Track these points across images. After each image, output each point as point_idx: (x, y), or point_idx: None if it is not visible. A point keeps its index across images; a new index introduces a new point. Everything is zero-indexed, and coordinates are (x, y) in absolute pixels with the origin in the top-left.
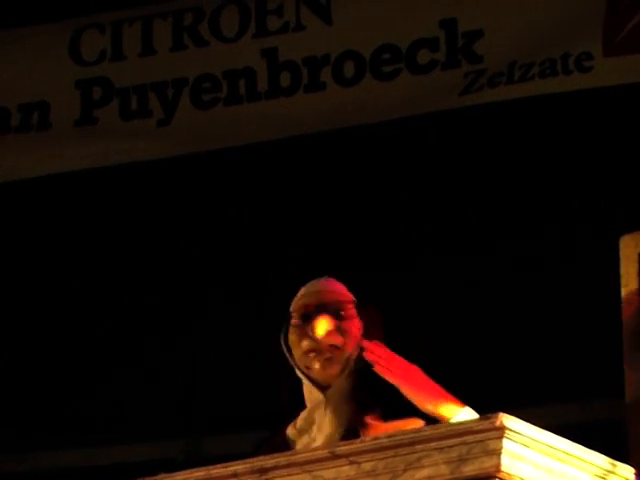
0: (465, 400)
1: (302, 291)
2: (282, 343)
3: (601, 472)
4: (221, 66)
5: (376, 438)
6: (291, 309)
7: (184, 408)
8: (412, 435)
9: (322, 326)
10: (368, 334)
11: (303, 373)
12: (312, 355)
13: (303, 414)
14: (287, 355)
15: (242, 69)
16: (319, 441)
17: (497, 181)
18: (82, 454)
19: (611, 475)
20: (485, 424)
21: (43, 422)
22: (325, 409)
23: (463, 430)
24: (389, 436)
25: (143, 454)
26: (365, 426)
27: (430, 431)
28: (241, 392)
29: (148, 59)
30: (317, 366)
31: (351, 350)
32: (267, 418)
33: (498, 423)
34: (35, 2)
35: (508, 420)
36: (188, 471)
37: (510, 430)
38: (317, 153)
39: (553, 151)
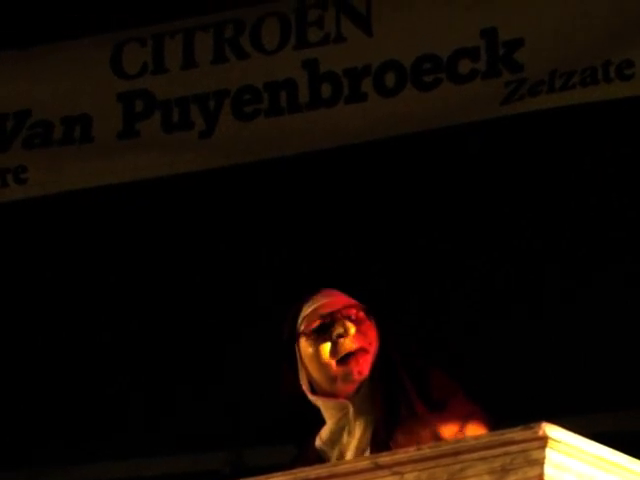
0: (508, 409)
1: (309, 304)
2: (285, 365)
3: None
4: (262, 78)
5: (419, 448)
6: (299, 325)
7: (227, 420)
8: (455, 445)
9: (350, 327)
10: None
11: (319, 394)
12: (345, 361)
13: (328, 426)
14: (293, 380)
15: (283, 80)
16: (352, 447)
17: (531, 194)
18: (126, 466)
19: None
20: (528, 434)
21: (87, 434)
22: (354, 415)
23: (506, 440)
24: (432, 446)
25: (186, 466)
26: (397, 423)
27: (473, 441)
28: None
29: (189, 71)
30: (352, 370)
31: (374, 353)
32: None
33: (541, 433)
34: (76, 16)
35: (551, 429)
36: None
37: (553, 440)
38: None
39: (593, 160)
